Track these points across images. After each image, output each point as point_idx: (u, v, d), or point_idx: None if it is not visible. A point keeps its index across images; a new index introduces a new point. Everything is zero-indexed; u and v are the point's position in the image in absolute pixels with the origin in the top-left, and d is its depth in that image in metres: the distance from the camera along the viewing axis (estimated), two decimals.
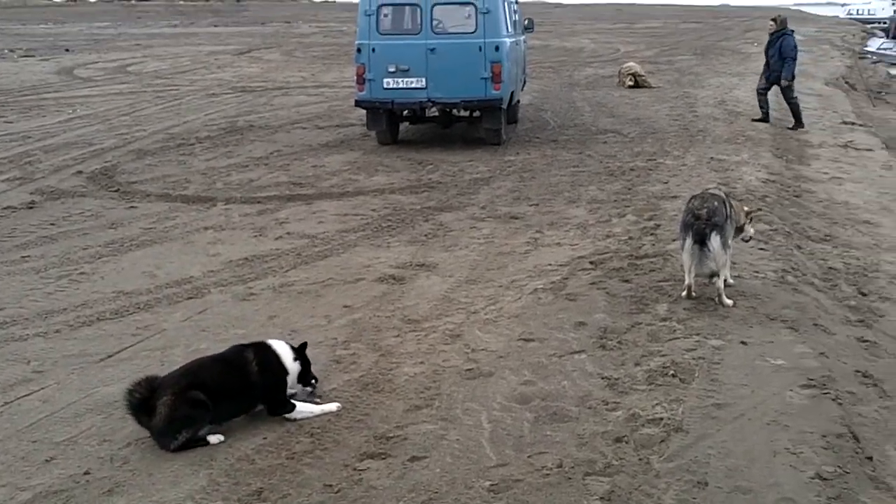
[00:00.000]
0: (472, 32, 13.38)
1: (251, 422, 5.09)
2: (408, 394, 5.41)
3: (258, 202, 10.52)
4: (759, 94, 16.67)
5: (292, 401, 5.15)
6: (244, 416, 5.09)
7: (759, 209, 7.49)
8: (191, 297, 7.28)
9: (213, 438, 4.83)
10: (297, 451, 4.75)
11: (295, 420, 5.08)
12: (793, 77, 16.01)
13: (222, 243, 8.89)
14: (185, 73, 25.38)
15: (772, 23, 16.35)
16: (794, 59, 15.97)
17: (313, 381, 5.32)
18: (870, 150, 14.87)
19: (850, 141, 15.48)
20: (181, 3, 79.30)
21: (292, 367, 5.15)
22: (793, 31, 16.29)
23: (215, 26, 52.17)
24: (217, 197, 10.77)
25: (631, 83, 21.82)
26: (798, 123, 16.32)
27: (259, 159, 13.07)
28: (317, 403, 5.23)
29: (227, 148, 13.95)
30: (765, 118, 16.41)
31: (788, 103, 16.35)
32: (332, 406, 5.20)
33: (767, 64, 16.36)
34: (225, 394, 4.90)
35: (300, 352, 5.25)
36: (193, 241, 8.98)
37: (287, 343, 5.27)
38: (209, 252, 8.59)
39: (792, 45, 15.91)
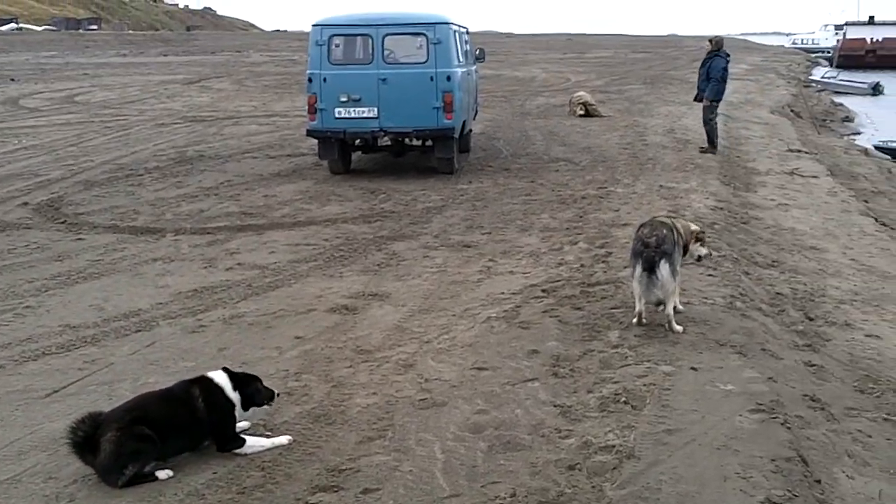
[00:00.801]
0: (424, 62, 13.46)
1: (201, 456, 5.00)
2: (360, 425, 5.37)
3: (208, 233, 10.42)
4: (706, 123, 16.77)
5: (242, 435, 5.08)
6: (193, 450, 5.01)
7: (702, 231, 7.58)
8: (139, 330, 7.16)
9: (162, 474, 4.74)
10: (248, 486, 4.68)
11: (245, 455, 5.01)
12: (714, 98, 16.18)
13: (171, 275, 8.78)
14: (133, 103, 25.17)
15: (708, 43, 16.69)
16: (720, 80, 16.09)
17: (266, 401, 5.21)
18: (815, 177, 15.21)
19: (796, 168, 15.83)
20: (130, 32, 78.83)
21: (234, 397, 5.04)
22: (727, 54, 16.51)
23: (165, 56, 51.86)
24: (166, 228, 10.65)
25: (582, 112, 22.08)
26: (711, 146, 16.46)
27: (209, 189, 12.97)
28: (268, 437, 5.16)
29: (176, 178, 13.82)
30: (712, 147, 16.57)
31: (705, 124, 16.56)
32: (283, 439, 5.14)
33: (699, 85, 16.61)
34: (172, 429, 4.82)
35: (240, 378, 5.13)
36: (142, 272, 8.86)
37: (226, 372, 5.14)
38: (158, 284, 8.48)
39: (720, 66, 16.06)
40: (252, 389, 5.15)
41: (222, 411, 4.98)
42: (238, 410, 5.08)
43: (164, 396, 4.97)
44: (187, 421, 4.90)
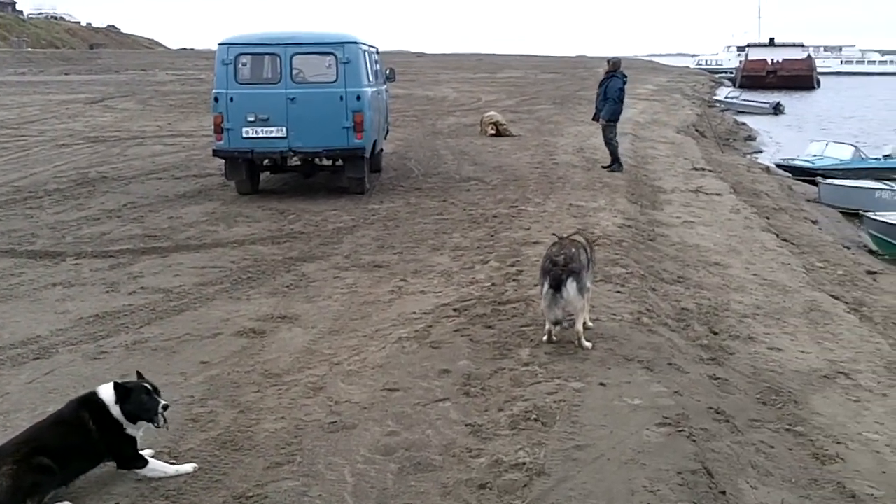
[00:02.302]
0: (333, 82, 13.40)
1: (103, 485, 4.83)
2: (268, 451, 5.25)
3: (111, 256, 10.11)
4: (607, 142, 17.05)
5: (146, 457, 4.90)
6: (97, 477, 4.83)
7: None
8: (37, 358, 6.89)
9: None
10: None
11: (147, 478, 4.85)
12: (611, 119, 16.49)
13: (72, 300, 8.48)
14: (33, 123, 24.36)
15: (606, 64, 17.01)
16: (617, 101, 16.39)
17: (160, 413, 4.91)
18: (719, 194, 15.65)
19: (701, 186, 16.27)
20: (29, 49, 76.52)
21: (117, 413, 4.80)
22: (624, 75, 16.83)
23: (66, 74, 50.47)
24: (67, 252, 10.29)
25: (493, 131, 22.30)
26: (614, 164, 16.80)
27: (112, 211, 12.61)
28: (172, 465, 5.00)
29: (77, 200, 13.40)
30: (615, 163, 16.93)
31: (607, 144, 16.89)
32: (188, 467, 4.98)
33: (597, 105, 16.86)
34: (69, 455, 4.63)
35: (123, 392, 4.84)
36: (41, 298, 8.54)
37: (113, 385, 4.85)
38: (58, 309, 8.18)
39: (617, 87, 16.36)
40: (133, 405, 4.84)
41: (112, 430, 4.78)
42: (130, 427, 4.85)
43: (57, 422, 4.76)
44: (83, 444, 4.70)
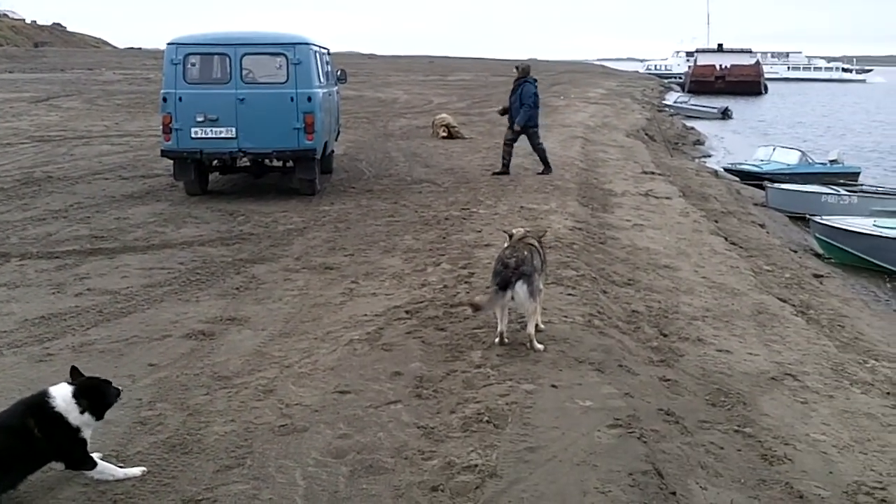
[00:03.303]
0: (284, 83, 13.31)
1: (48, 490, 4.73)
2: (218, 454, 5.18)
3: (56, 257, 9.92)
4: (505, 145, 16.74)
5: (95, 459, 4.80)
6: (42, 481, 4.73)
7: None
8: None
9: None
10: None
11: (95, 480, 4.76)
12: (530, 124, 16.35)
13: (16, 301, 8.30)
14: None
15: (515, 70, 16.77)
16: (532, 106, 16.27)
17: (111, 399, 4.88)
18: (668, 198, 15.83)
19: (651, 190, 16.44)
20: None
21: (80, 419, 4.69)
22: (535, 80, 16.73)
23: (10, 73, 49.36)
24: (11, 252, 10.07)
25: (444, 134, 22.34)
26: (546, 168, 16.74)
27: (58, 212, 12.37)
28: (120, 467, 4.91)
29: (22, 200, 13.13)
30: (505, 170, 16.57)
31: (535, 149, 16.81)
32: (136, 471, 4.89)
33: (510, 112, 16.62)
34: (10, 462, 4.51)
35: (81, 390, 4.75)
36: None
37: (67, 385, 4.75)
38: (2, 311, 7.99)
39: (531, 92, 16.25)
40: (99, 398, 4.81)
41: (64, 435, 4.65)
42: (89, 427, 4.76)
43: (1, 426, 4.62)
44: (26, 451, 4.58)
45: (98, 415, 4.79)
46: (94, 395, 4.80)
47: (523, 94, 16.22)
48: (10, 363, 6.69)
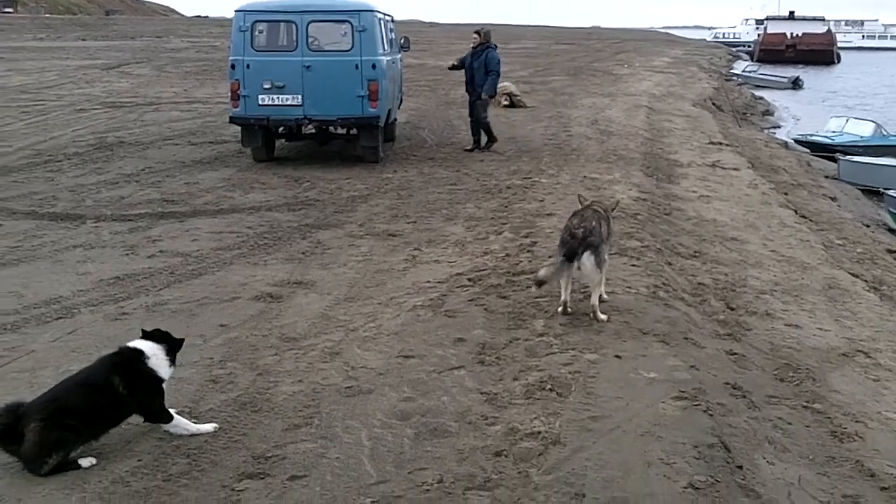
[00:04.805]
0: (349, 50, 13.35)
1: (126, 443, 4.90)
2: (286, 413, 5.30)
3: (129, 220, 10.18)
4: (480, 121, 15.50)
5: (172, 413, 4.98)
6: (120, 434, 4.91)
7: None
8: (60, 318, 6.98)
9: (85, 462, 4.63)
10: (174, 473, 4.60)
11: (170, 433, 4.94)
12: (494, 94, 15.48)
13: (92, 262, 8.56)
14: (51, 88, 24.36)
15: (476, 36, 15.46)
16: (499, 73, 15.37)
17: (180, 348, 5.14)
18: (736, 169, 15.54)
19: (718, 160, 16.15)
20: (47, 15, 76.36)
21: (167, 371, 4.94)
22: (496, 45, 15.59)
23: (83, 40, 50.35)
24: (86, 214, 10.37)
25: (506, 103, 22.18)
26: (490, 140, 15.61)
27: (130, 176, 12.66)
28: (194, 423, 5.07)
29: (96, 164, 13.46)
30: (478, 144, 15.64)
31: (478, 122, 15.46)
32: (209, 427, 5.05)
33: (472, 81, 15.35)
34: (95, 415, 4.72)
35: (165, 342, 5.02)
36: (62, 259, 8.62)
37: (149, 341, 4.98)
38: (79, 271, 8.26)
39: (497, 59, 15.22)
40: (176, 351, 5.08)
41: (147, 389, 4.86)
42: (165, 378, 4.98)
43: (85, 382, 4.80)
44: (110, 404, 4.78)
45: (172, 360, 5.02)
46: (175, 345, 5.05)
47: (489, 60, 15.07)
48: (88, 321, 6.93)
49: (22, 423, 4.56)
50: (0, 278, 7.99)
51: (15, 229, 9.67)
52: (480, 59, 15.16)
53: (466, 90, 15.74)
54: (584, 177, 13.04)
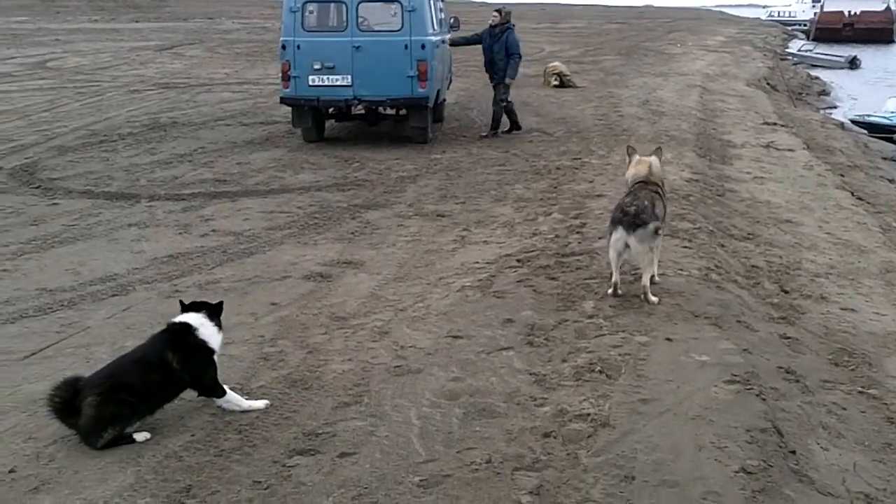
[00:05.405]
0: (398, 30, 13.33)
1: (179, 419, 5.00)
2: (336, 391, 5.36)
3: (182, 199, 10.33)
4: (506, 106, 14.93)
5: (224, 387, 5.06)
6: (173, 409, 5.01)
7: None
8: (115, 295, 7.13)
9: (140, 436, 4.74)
10: (226, 448, 4.68)
11: (222, 409, 5.03)
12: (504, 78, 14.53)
13: (147, 240, 8.71)
14: (106, 69, 24.75)
15: (496, 15, 14.56)
16: (520, 56, 14.65)
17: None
18: (791, 150, 15.24)
19: (772, 141, 15.85)
20: None
21: (215, 340, 5.02)
22: (514, 24, 14.81)
23: (136, 22, 51.04)
24: (141, 194, 10.55)
25: (556, 83, 22.01)
26: (514, 126, 15.11)
27: (183, 156, 12.83)
28: (246, 399, 5.15)
29: (150, 144, 13.66)
30: (495, 130, 15.00)
31: (500, 105, 14.83)
32: (260, 403, 5.13)
33: (492, 64, 14.66)
34: (150, 390, 4.82)
35: (211, 312, 5.09)
36: (117, 238, 8.79)
37: (201, 314, 5.04)
38: (133, 249, 8.42)
39: (517, 41, 14.53)
40: (216, 313, 5.13)
41: (200, 362, 4.94)
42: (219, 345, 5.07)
43: (140, 359, 4.90)
44: (165, 380, 4.87)
45: (221, 329, 5.11)
46: (217, 310, 5.11)
47: (510, 43, 14.39)
48: (142, 298, 7.06)
49: (79, 397, 4.68)
50: (57, 256, 8.17)
51: (71, 208, 9.87)
52: (501, 40, 14.46)
53: (486, 72, 15.05)
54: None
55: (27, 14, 54.22)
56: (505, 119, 15.11)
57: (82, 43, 33.86)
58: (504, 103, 14.86)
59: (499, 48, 14.51)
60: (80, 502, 4.22)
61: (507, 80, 14.57)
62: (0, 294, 7.12)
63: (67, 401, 4.68)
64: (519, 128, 15.23)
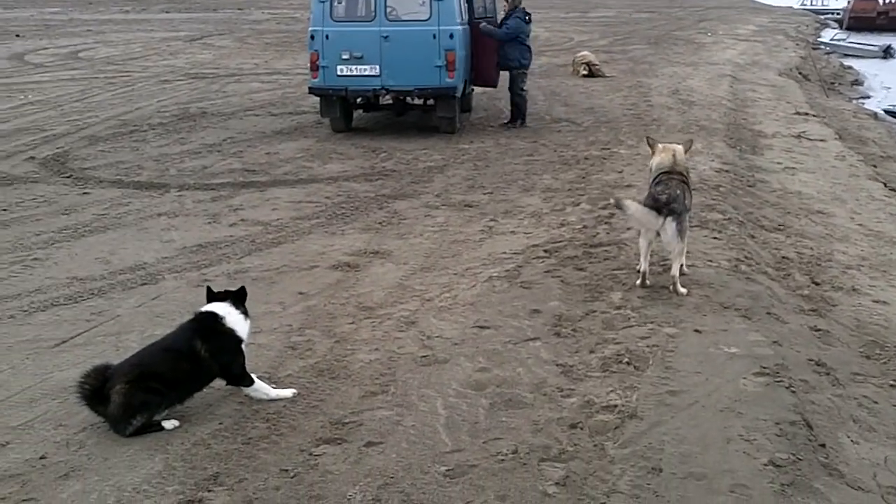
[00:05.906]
0: (426, 20, 13.30)
1: (207, 407, 5.05)
2: (363, 380, 5.38)
3: (212, 189, 10.40)
4: (520, 94, 14.63)
5: (252, 376, 5.09)
6: (202, 398, 5.06)
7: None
8: (145, 283, 7.21)
9: (168, 424, 4.80)
10: (253, 436, 4.72)
11: (250, 397, 5.06)
12: (525, 66, 14.39)
13: (176, 230, 8.78)
14: (137, 60, 24.91)
15: (506, 2, 14.52)
16: (512, 35, 14.15)
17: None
18: (823, 140, 15.06)
19: (804, 131, 15.67)
20: None
21: (242, 329, 5.03)
22: (525, 11, 14.35)
23: (167, 12, 51.30)
24: (170, 183, 10.63)
25: (585, 72, 21.87)
26: (522, 120, 14.73)
27: (212, 146, 12.90)
28: (273, 388, 5.18)
29: (179, 134, 13.75)
30: (513, 120, 14.77)
31: (515, 96, 14.65)
32: (288, 392, 5.16)
33: (502, 50, 14.32)
34: (179, 378, 4.86)
35: (236, 299, 5.11)
36: (147, 227, 8.87)
37: (226, 303, 5.06)
38: (163, 238, 8.49)
39: (516, 25, 14.14)
40: (241, 299, 5.15)
41: (229, 350, 4.97)
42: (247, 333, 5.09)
43: (170, 348, 4.94)
44: (194, 369, 4.91)
45: (248, 316, 5.13)
46: (241, 296, 5.14)
47: (509, 26, 14.19)
48: (171, 287, 7.12)
49: (109, 384, 4.73)
50: (88, 245, 8.26)
51: (102, 197, 9.96)
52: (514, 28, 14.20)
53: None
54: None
55: (60, 5, 54.71)
56: (507, 112, 15.06)
57: (113, 33, 34.09)
58: (522, 92, 14.66)
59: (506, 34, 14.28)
60: (109, 489, 4.27)
61: (519, 70, 14.27)
62: (31, 283, 7.22)
63: (97, 388, 4.74)
64: (524, 122, 14.87)
